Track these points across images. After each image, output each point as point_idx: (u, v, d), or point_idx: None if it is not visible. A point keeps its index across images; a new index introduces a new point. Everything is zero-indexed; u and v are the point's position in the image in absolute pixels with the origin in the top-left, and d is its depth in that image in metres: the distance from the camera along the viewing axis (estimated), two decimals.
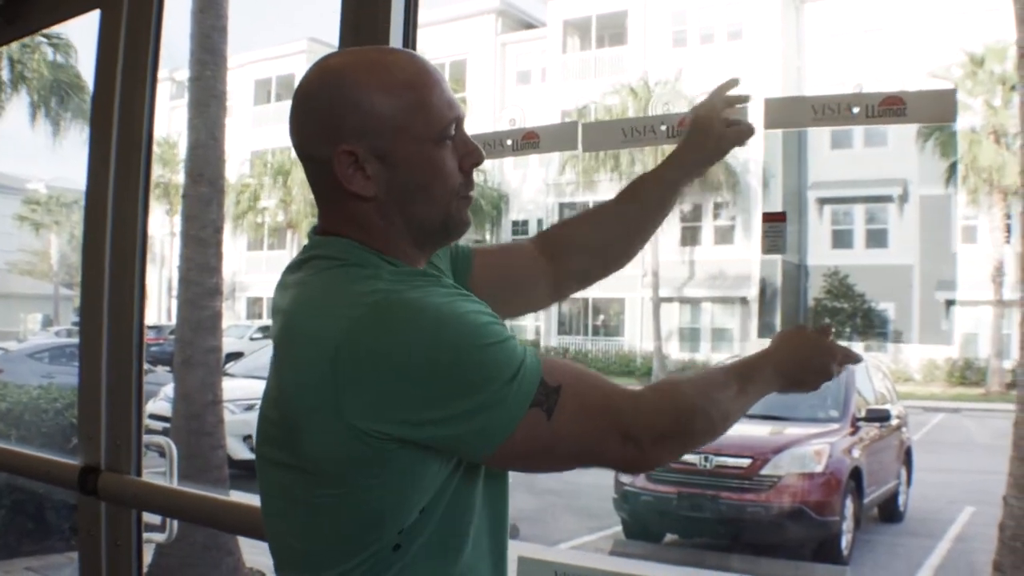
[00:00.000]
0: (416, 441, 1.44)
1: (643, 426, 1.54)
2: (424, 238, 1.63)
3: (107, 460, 3.22)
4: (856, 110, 2.16)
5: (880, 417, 11.06)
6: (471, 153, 1.61)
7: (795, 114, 2.26)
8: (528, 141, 2.57)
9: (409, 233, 1.61)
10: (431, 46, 33.77)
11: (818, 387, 1.83)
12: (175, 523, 4.00)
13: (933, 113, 2.20)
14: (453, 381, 1.42)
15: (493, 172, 34.70)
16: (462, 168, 1.61)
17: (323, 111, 1.58)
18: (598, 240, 2.16)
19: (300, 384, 1.48)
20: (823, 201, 28.91)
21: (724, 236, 30.95)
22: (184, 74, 9.11)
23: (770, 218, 2.38)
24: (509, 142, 2.59)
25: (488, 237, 35.37)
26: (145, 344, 3.32)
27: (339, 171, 1.56)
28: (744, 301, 29.74)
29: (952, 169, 25.52)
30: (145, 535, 3.47)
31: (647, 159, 29.55)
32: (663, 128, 2.38)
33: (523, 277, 2.03)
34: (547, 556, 2.49)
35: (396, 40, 2.47)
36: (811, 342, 1.84)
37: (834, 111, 2.18)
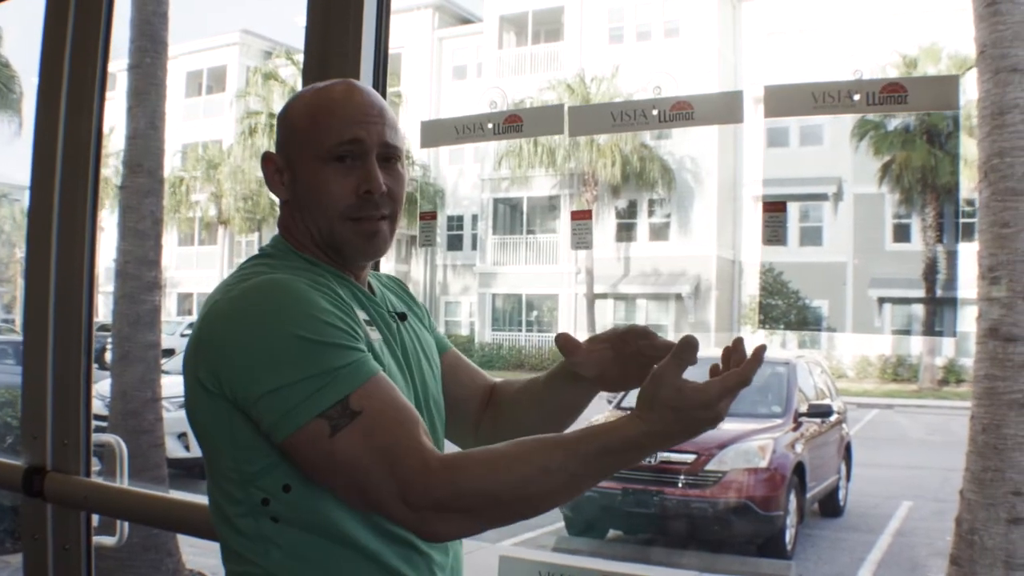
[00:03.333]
0: (238, 405, 1.56)
1: (421, 492, 1.49)
2: (325, 247, 1.76)
3: (54, 460, 3.15)
4: (857, 97, 2.12)
5: (822, 413, 11.14)
6: (364, 180, 1.70)
7: (796, 102, 2.21)
8: (511, 124, 2.51)
9: (312, 238, 1.76)
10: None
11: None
12: (126, 525, 3.87)
13: (935, 100, 2.17)
14: (263, 358, 1.52)
15: (429, 167, 34.59)
16: (356, 193, 1.71)
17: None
18: (530, 420, 2.00)
19: (187, 345, 1.65)
20: (758, 198, 29.06)
21: (659, 233, 31.04)
22: (119, 64, 8.94)
23: (771, 207, 2.33)
24: (490, 125, 2.52)
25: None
26: (93, 343, 3.26)
27: (265, 174, 1.80)
28: (679, 297, 29.85)
29: (886, 168, 25.76)
30: (97, 539, 3.36)
31: (582, 155, 29.62)
32: (655, 113, 2.33)
33: (463, 401, 2.03)
34: (529, 556, 2.41)
35: (367, 60, 2.46)
36: (697, 411, 1.54)
37: (834, 99, 2.14)
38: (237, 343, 1.55)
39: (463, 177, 34.27)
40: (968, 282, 6.77)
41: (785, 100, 2.21)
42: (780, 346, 26.91)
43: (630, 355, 1.87)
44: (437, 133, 2.63)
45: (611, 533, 10.50)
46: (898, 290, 26.63)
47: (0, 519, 7.52)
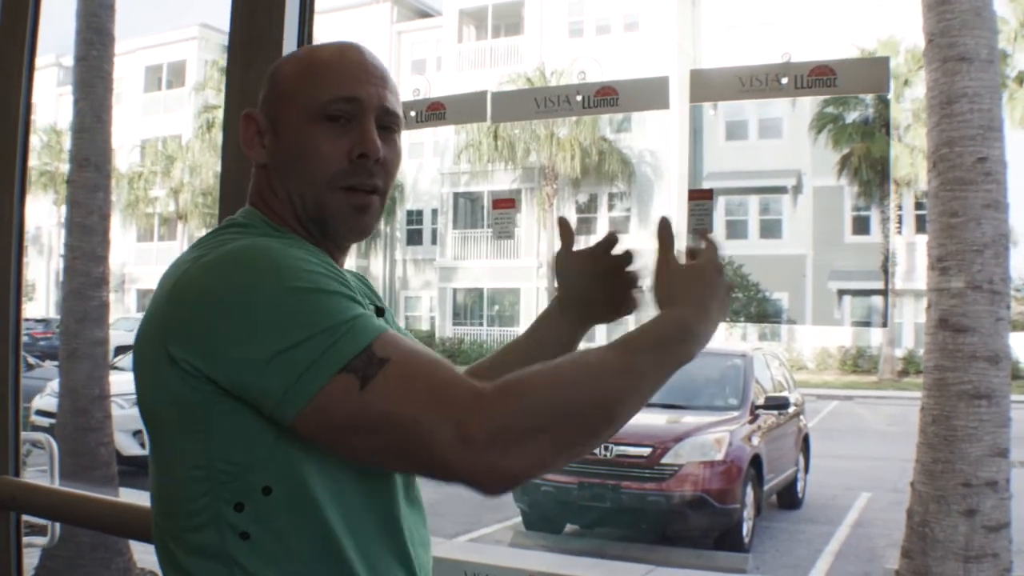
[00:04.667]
0: (225, 387, 1.33)
1: (483, 423, 1.28)
2: (307, 219, 1.55)
3: None
4: (785, 80, 2.07)
5: (779, 405, 11.15)
6: (360, 143, 1.51)
7: (723, 87, 2.16)
8: (433, 112, 2.45)
9: (292, 210, 1.55)
10: (325, 33, 33.27)
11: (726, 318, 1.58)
12: (57, 526, 3.80)
13: (865, 83, 2.13)
14: (259, 320, 1.31)
15: None
16: (349, 157, 1.51)
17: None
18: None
19: (142, 326, 1.44)
20: (717, 192, 28.88)
21: (619, 226, 31.10)
22: (70, 59, 8.81)
23: (697, 195, 2.28)
24: (413, 113, 2.47)
25: (382, 227, 35.20)
26: (22, 337, 3.21)
27: (243, 135, 1.59)
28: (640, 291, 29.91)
29: (845, 161, 25.90)
30: (27, 539, 3.31)
31: (542, 149, 29.63)
32: (579, 98, 2.27)
33: None
34: (458, 555, 2.35)
35: (291, 32, 2.43)
36: (708, 277, 1.55)
37: (762, 82, 2.08)
38: (222, 310, 1.33)
39: (423, 171, 34.23)
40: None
41: (711, 84, 2.17)
42: (741, 339, 27.05)
43: (608, 273, 1.83)
44: None
45: (568, 527, 10.46)
46: (857, 282, 26.78)
47: None
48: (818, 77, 1.99)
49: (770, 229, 28.54)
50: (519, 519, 10.50)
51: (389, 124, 1.56)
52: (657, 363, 1.42)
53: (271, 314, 1.31)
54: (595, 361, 1.38)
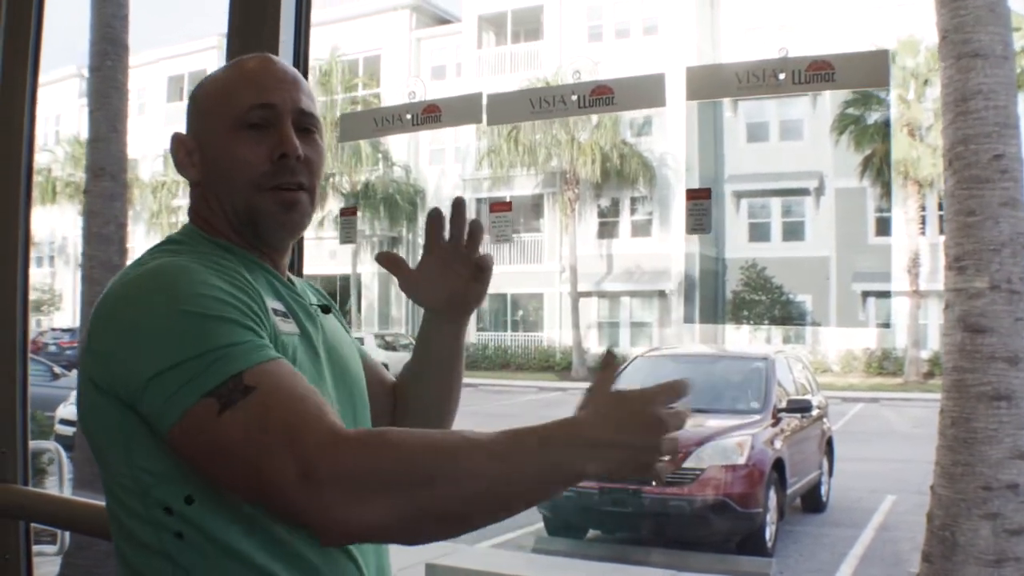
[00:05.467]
0: (126, 402, 1.39)
1: (330, 465, 1.26)
2: (240, 226, 1.62)
3: None
4: (782, 76, 2.03)
5: (801, 408, 11.07)
6: (279, 145, 1.58)
7: (718, 84, 2.12)
8: (429, 115, 2.44)
9: (226, 218, 1.62)
10: (345, 41, 33.54)
11: (644, 460, 1.35)
12: (67, 534, 3.80)
13: (864, 77, 2.08)
14: (146, 341, 1.37)
15: (410, 168, 34.59)
16: (271, 159, 1.58)
17: None
18: (420, 391, 1.93)
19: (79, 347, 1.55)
20: (740, 195, 29.07)
21: (641, 230, 31.09)
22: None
23: (694, 195, 2.24)
24: (408, 116, 2.45)
25: (404, 233, 35.26)
26: (29, 346, 3.19)
27: (175, 158, 1.66)
28: (662, 294, 29.87)
29: (867, 162, 25.79)
30: (37, 547, 3.30)
31: (563, 153, 29.63)
32: (573, 98, 2.25)
33: (377, 404, 1.85)
34: (455, 562, 2.32)
35: (287, 38, 2.41)
36: (633, 405, 1.36)
37: (759, 79, 2.04)
38: (121, 331, 1.40)
39: (444, 177, 34.29)
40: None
41: (708, 81, 2.13)
42: (765, 342, 26.96)
43: (452, 256, 1.83)
44: (356, 126, 2.58)
45: (591, 533, 10.42)
46: (881, 283, 26.65)
47: None
48: (816, 72, 1.95)
49: (793, 231, 28.46)
50: (542, 524, 10.43)
51: (307, 125, 1.63)
52: (537, 465, 1.32)
53: (157, 335, 1.36)
54: (473, 443, 1.31)
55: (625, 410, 1.33)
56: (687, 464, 9.43)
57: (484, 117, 2.33)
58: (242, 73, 1.64)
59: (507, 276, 32.09)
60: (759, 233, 28.91)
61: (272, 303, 1.54)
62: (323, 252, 34.59)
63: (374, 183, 33.78)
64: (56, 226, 36.46)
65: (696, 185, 28.44)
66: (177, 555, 1.42)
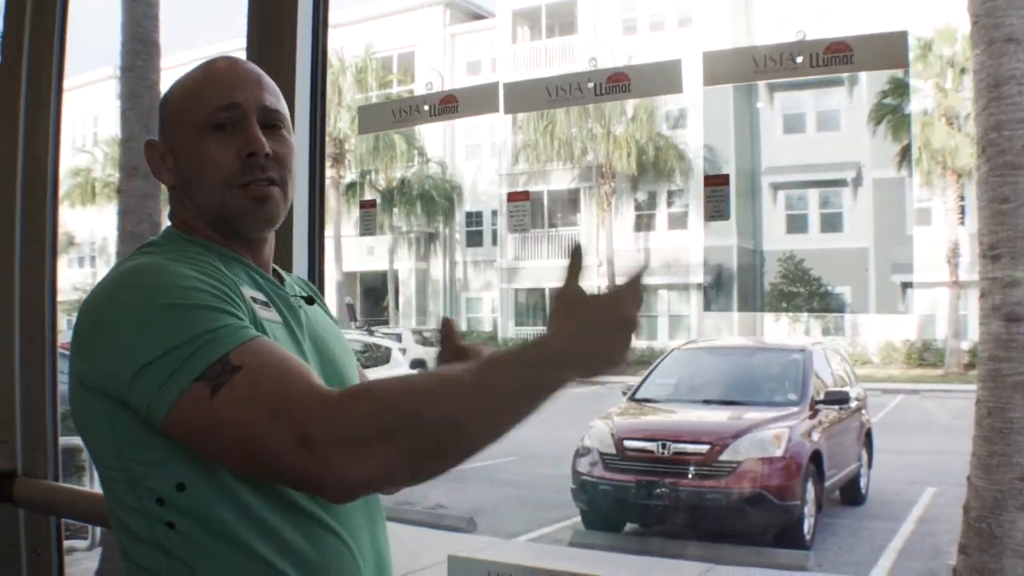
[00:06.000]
0: (114, 396, 1.44)
1: (324, 426, 1.32)
2: (216, 223, 1.66)
3: (23, 465, 3.10)
4: (800, 59, 2.00)
5: (839, 399, 11.00)
6: (247, 143, 1.62)
7: (736, 68, 2.09)
8: (446, 105, 2.43)
9: (202, 217, 1.67)
10: (380, 38, 33.60)
11: (617, 361, 1.41)
12: (98, 529, 3.82)
13: (883, 59, 2.05)
14: (130, 335, 1.42)
15: (446, 164, 34.65)
16: (239, 157, 1.63)
17: None
18: None
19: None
20: (777, 186, 28.89)
21: (678, 223, 31.00)
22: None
23: (712, 181, 2.22)
24: (426, 107, 2.44)
25: (441, 229, 35.32)
26: (59, 344, 3.21)
27: (149, 163, 1.73)
28: (700, 287, 29.77)
29: (905, 152, 25.58)
30: (69, 543, 3.32)
31: (599, 147, 29.59)
32: (590, 85, 2.24)
33: None
34: (479, 555, 2.30)
35: (304, 39, 2.43)
36: (602, 308, 1.42)
37: (776, 62, 2.01)
38: (105, 329, 1.46)
39: (481, 173, 34.34)
40: None
41: (724, 66, 2.11)
42: (804, 334, 26.81)
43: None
44: (374, 118, 2.57)
45: (628, 526, 10.39)
46: (921, 274, 26.43)
47: None
48: (834, 54, 1.93)
49: (831, 223, 28.24)
50: (579, 518, 10.42)
51: (273, 122, 1.67)
52: (515, 385, 1.37)
53: (140, 330, 1.41)
54: (449, 376, 1.40)
55: (594, 316, 1.40)
56: (724, 456, 9.43)
57: (501, 106, 2.32)
58: (207, 76, 1.68)
59: (544, 270, 32.11)
60: (797, 225, 28.73)
61: (251, 292, 1.59)
62: (361, 249, 34.71)
63: (409, 179, 33.85)
64: (96, 226, 36.69)
65: (732, 177, 28.27)
66: (170, 546, 1.47)
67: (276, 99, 1.70)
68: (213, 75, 1.68)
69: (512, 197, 2.17)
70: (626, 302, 1.41)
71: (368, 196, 33.46)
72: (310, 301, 1.77)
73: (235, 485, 1.45)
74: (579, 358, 1.38)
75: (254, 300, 1.58)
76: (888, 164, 25.67)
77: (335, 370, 1.70)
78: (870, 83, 24.88)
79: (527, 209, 2.30)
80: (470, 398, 1.35)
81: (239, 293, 1.53)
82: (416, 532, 9.10)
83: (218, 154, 1.62)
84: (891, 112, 25.29)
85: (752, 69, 2.00)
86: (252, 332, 1.44)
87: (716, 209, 2.12)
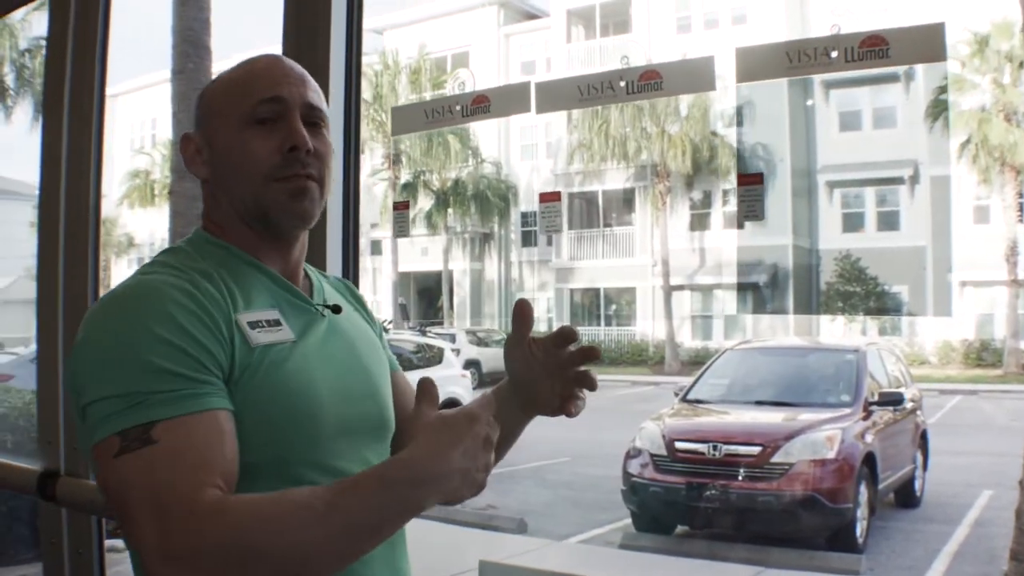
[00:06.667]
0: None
1: (179, 540, 1.30)
2: (251, 219, 1.64)
3: (66, 464, 3.16)
4: (835, 54, 1.95)
5: (893, 401, 10.88)
6: (289, 138, 1.60)
7: (768, 64, 2.04)
8: (478, 106, 2.41)
9: (236, 213, 1.65)
10: (434, 39, 33.71)
11: (479, 484, 1.38)
12: None
13: (920, 52, 1.99)
14: (94, 368, 1.41)
15: (501, 164, 34.73)
16: (280, 152, 1.60)
17: None
18: None
19: None
20: (833, 184, 28.68)
21: (733, 222, 30.83)
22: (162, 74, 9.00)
23: (746, 180, 2.17)
24: (458, 107, 2.43)
25: (496, 229, 35.39)
26: None
27: (184, 157, 1.70)
28: (755, 287, 29.59)
29: (962, 149, 25.31)
30: (110, 542, 3.35)
31: (653, 146, 29.52)
32: (622, 84, 2.20)
33: (398, 426, 1.82)
34: (510, 561, 2.28)
35: (338, 39, 2.44)
36: (459, 429, 1.36)
37: (810, 58, 1.97)
38: (83, 351, 1.45)
39: (536, 173, 34.32)
40: None
41: (757, 62, 2.06)
42: (860, 333, 26.58)
43: (556, 368, 1.74)
44: (407, 119, 2.56)
45: (679, 528, 10.33)
46: (979, 273, 26.11)
47: (9, 528, 7.48)
48: (870, 48, 1.88)
49: (887, 221, 27.98)
50: (630, 520, 10.37)
51: (315, 120, 1.66)
52: (373, 506, 1.32)
53: (101, 365, 1.41)
54: (303, 502, 1.32)
55: (453, 436, 1.34)
56: (775, 459, 9.35)
57: (533, 106, 2.30)
58: (251, 71, 1.67)
59: (599, 270, 32.12)
60: (853, 223, 28.50)
61: (254, 315, 1.55)
62: (415, 249, 34.84)
63: (464, 180, 33.94)
64: (155, 228, 37.10)
65: (788, 176, 28.15)
66: None
67: (319, 98, 1.69)
68: (257, 70, 1.67)
69: (544, 198, 2.15)
70: (483, 423, 1.37)
71: (423, 197, 33.67)
72: (336, 310, 1.72)
73: None
74: (441, 477, 1.33)
75: (255, 324, 1.54)
76: (946, 161, 25.42)
77: (358, 380, 1.68)
78: (927, 79, 24.65)
79: (558, 209, 2.28)
80: (322, 527, 1.30)
81: (221, 335, 1.48)
82: (465, 533, 9.10)
83: (259, 148, 1.60)
84: (948, 108, 25.05)
85: (786, 65, 1.96)
86: (200, 405, 1.41)
87: (750, 209, 2.08)
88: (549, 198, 2.23)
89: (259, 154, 1.60)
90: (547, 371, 1.74)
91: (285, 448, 1.50)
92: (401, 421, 1.77)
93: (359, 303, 1.89)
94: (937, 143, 25.17)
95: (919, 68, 25.46)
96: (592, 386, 1.71)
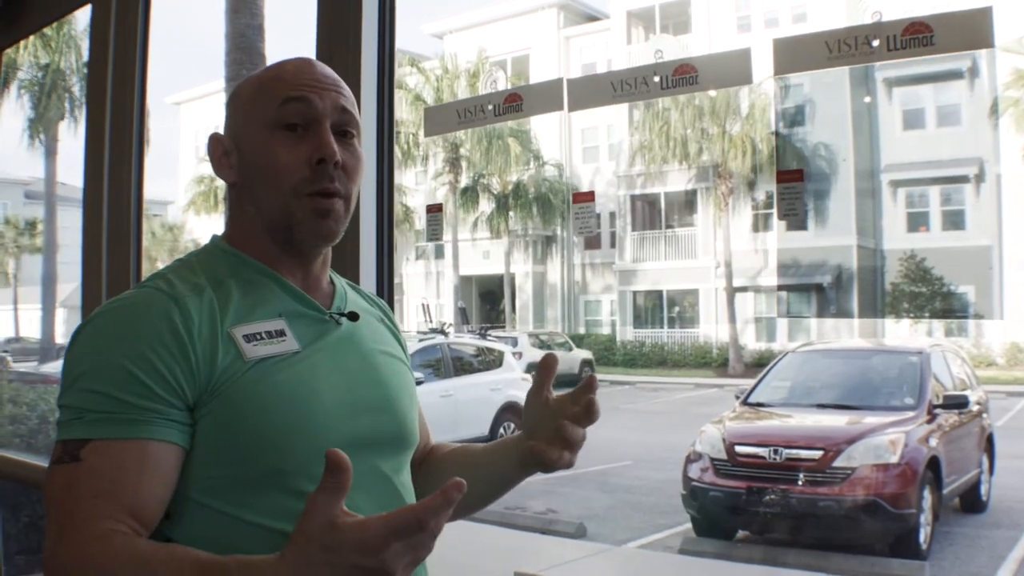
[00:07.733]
0: None
1: (65, 561, 1.32)
2: (275, 231, 1.60)
3: None
4: (876, 43, 1.88)
5: (958, 403, 10.67)
6: (318, 148, 1.56)
7: (807, 55, 1.97)
8: (511, 104, 2.37)
9: (262, 222, 1.60)
10: (493, 42, 33.80)
11: None
12: None
13: (966, 39, 1.92)
14: (67, 376, 1.46)
15: (563, 167, 34.79)
16: (309, 163, 1.56)
17: None
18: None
19: None
20: (896, 184, 28.37)
21: (796, 223, 30.61)
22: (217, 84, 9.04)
23: (786, 177, 2.10)
24: (491, 107, 2.38)
25: (559, 232, 35.42)
26: None
27: (211, 157, 1.65)
28: (819, 288, 29.34)
29: None
30: None
31: (714, 147, 29.40)
32: (656, 79, 2.14)
33: None
34: (565, 565, 2.24)
35: (370, 44, 2.44)
36: (347, 551, 1.13)
37: (851, 47, 1.90)
38: (63, 360, 1.50)
39: (599, 175, 34.35)
40: None
41: (796, 53, 1.99)
42: (926, 335, 26.26)
43: (560, 415, 1.64)
44: (440, 119, 2.53)
45: (740, 534, 10.22)
46: None
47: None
48: (913, 36, 1.81)
49: (953, 220, 27.61)
50: (690, 525, 10.28)
51: (346, 128, 1.62)
52: None
53: (66, 375, 1.45)
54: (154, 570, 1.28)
55: (331, 557, 1.14)
56: (837, 463, 9.22)
57: (565, 104, 2.25)
58: (281, 71, 1.63)
59: (662, 272, 32.04)
60: (917, 222, 28.18)
61: (253, 327, 1.52)
62: (477, 253, 34.94)
63: (525, 183, 34.00)
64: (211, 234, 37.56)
65: (851, 176, 27.90)
66: (169, 533, 1.46)
67: (352, 105, 1.64)
68: (288, 72, 1.62)
69: (577, 198, 2.11)
70: (388, 547, 1.12)
71: (484, 200, 33.79)
72: (353, 317, 1.66)
73: (213, 501, 1.45)
74: None
75: (252, 336, 1.51)
76: (1012, 159, 25.04)
77: (371, 389, 1.63)
78: (990, 75, 24.31)
79: (592, 210, 2.23)
80: None
81: (197, 350, 1.44)
82: (523, 537, 9.05)
83: (287, 157, 1.56)
84: (1013, 104, 24.65)
85: (825, 56, 1.89)
86: (135, 432, 1.39)
87: (790, 207, 2.00)
88: (583, 199, 2.18)
89: (287, 164, 1.56)
90: (554, 419, 1.63)
91: (281, 460, 1.45)
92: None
93: (389, 320, 1.84)
94: (1003, 140, 24.79)
95: (983, 64, 25.13)
96: (593, 417, 1.59)
